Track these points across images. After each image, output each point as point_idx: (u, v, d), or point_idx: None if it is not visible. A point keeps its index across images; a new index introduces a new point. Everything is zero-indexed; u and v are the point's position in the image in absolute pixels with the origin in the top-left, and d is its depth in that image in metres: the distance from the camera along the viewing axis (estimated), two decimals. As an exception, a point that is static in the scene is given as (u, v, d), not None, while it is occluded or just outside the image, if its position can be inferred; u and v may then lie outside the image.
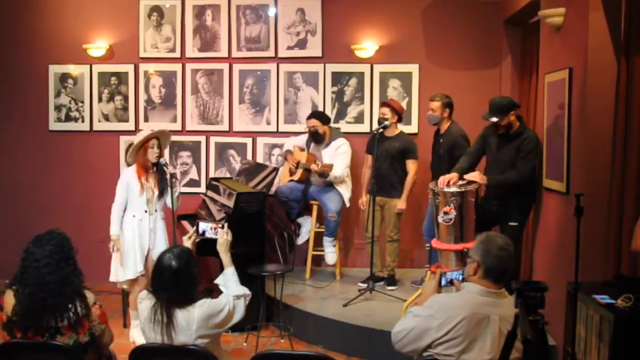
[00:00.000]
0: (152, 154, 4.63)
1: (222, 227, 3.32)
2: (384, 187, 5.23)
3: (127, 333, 4.94)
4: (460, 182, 4.40)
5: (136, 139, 4.72)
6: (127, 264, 4.65)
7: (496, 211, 4.49)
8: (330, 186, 5.56)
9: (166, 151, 6.30)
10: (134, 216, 4.67)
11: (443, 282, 2.86)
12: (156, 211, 4.72)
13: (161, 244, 4.66)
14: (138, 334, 4.51)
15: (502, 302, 2.56)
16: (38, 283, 2.79)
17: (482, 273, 2.59)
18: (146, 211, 4.67)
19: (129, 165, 4.85)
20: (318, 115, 5.70)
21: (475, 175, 4.39)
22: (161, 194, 4.68)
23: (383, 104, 5.44)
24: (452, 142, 5.08)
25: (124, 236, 4.67)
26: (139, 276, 4.66)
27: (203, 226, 3.41)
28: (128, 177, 4.67)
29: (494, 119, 4.37)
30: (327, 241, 5.57)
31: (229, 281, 3.16)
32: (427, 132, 5.71)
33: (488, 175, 4.40)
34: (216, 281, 3.26)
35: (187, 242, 3.28)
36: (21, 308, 2.80)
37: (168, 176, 4.61)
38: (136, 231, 4.65)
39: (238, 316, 3.02)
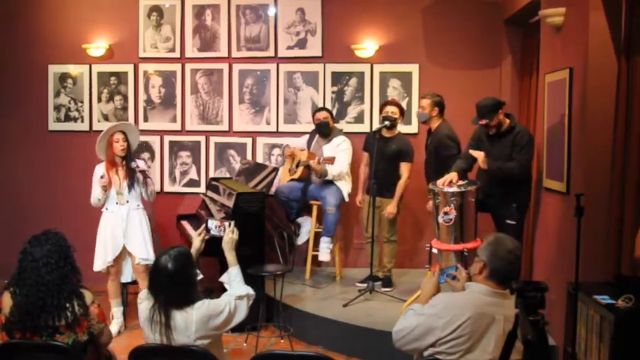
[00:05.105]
0: (117, 149, 4.85)
1: (229, 225, 3.30)
2: (380, 188, 5.20)
3: (127, 333, 4.94)
4: (460, 182, 4.40)
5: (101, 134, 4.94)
6: (98, 256, 4.90)
7: (492, 207, 4.50)
8: (329, 182, 5.55)
9: (163, 155, 6.33)
10: (107, 209, 4.92)
11: (443, 279, 2.87)
12: (128, 202, 4.89)
13: (137, 235, 4.88)
14: (115, 326, 4.87)
15: (506, 303, 2.56)
16: (37, 282, 2.79)
17: (487, 274, 2.59)
18: (117, 203, 4.88)
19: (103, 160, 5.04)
20: (327, 108, 5.80)
21: (479, 154, 4.38)
22: (130, 187, 4.88)
23: (391, 103, 5.39)
24: (437, 141, 5.06)
25: (99, 229, 4.94)
26: (109, 267, 4.88)
27: (210, 223, 3.41)
28: (98, 172, 4.92)
29: (486, 121, 4.38)
30: (324, 241, 5.49)
31: (233, 281, 3.14)
32: (426, 132, 5.71)
33: (489, 166, 4.38)
34: (221, 279, 3.23)
35: (197, 239, 3.27)
36: (18, 309, 2.79)
37: (139, 175, 4.85)
38: (108, 222, 4.89)
39: (240, 317, 2.98)
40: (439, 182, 4.40)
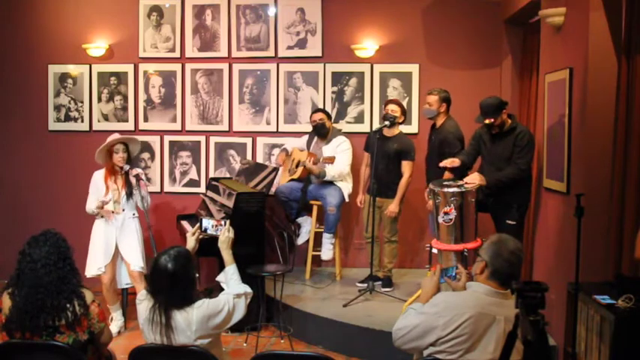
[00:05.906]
0: (117, 159, 4.86)
1: (225, 224, 3.31)
2: (381, 188, 5.20)
3: (127, 333, 4.94)
4: (460, 182, 4.40)
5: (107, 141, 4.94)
6: (90, 262, 4.89)
7: (492, 207, 4.50)
8: (329, 182, 5.55)
9: (163, 155, 6.34)
10: (102, 216, 4.92)
11: (443, 280, 2.87)
12: (123, 210, 4.92)
13: (132, 244, 4.89)
14: (115, 326, 4.89)
15: (507, 303, 2.56)
16: (35, 284, 2.78)
17: (488, 274, 2.60)
18: (113, 212, 4.88)
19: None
20: (323, 110, 5.80)
21: (475, 177, 4.39)
22: (129, 196, 4.90)
23: (392, 102, 5.38)
24: (443, 137, 5.03)
25: (92, 235, 4.95)
26: (101, 274, 4.87)
27: (206, 222, 3.41)
28: (96, 179, 4.95)
29: (491, 120, 4.38)
30: (326, 238, 5.51)
31: (230, 279, 3.14)
32: (427, 132, 5.70)
33: (486, 175, 4.40)
34: (218, 278, 3.24)
35: (191, 239, 3.27)
36: (17, 309, 2.79)
37: (133, 181, 4.84)
38: (102, 230, 4.90)
39: (239, 315, 2.99)
40: (441, 163, 4.50)
